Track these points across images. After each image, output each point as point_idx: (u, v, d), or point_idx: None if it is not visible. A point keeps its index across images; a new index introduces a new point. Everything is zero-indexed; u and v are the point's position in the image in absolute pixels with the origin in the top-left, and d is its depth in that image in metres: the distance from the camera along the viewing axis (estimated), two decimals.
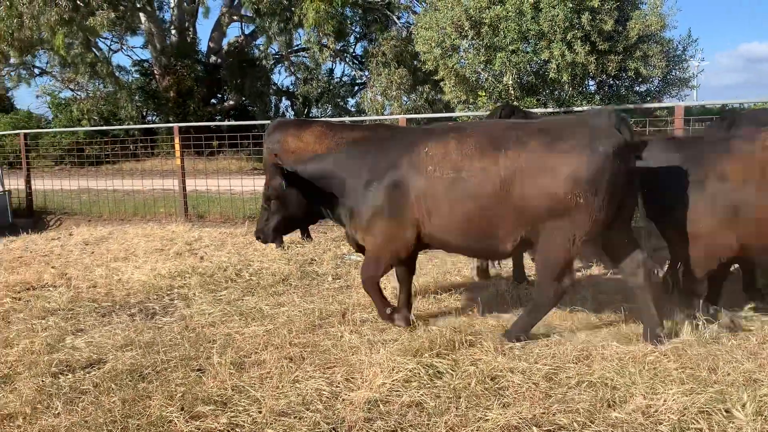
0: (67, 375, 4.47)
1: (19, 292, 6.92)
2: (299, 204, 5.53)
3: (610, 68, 10.29)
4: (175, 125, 12.55)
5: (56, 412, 3.87)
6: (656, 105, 10.73)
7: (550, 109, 10.67)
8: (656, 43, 10.48)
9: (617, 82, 11.34)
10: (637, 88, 11.39)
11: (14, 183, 13.90)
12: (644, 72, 10.44)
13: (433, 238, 5.11)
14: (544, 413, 3.64)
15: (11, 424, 3.77)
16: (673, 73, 11.23)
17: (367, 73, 23.04)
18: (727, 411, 3.59)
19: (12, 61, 20.56)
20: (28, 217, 13.26)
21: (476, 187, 4.76)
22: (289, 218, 5.63)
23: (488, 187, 4.71)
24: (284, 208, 5.54)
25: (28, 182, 13.82)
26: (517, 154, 4.66)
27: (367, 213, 5.17)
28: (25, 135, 14.50)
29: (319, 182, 5.42)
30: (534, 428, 3.47)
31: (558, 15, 9.82)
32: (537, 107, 10.71)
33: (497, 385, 4.04)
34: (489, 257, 5.44)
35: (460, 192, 4.82)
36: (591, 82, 11.45)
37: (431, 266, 7.64)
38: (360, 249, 5.60)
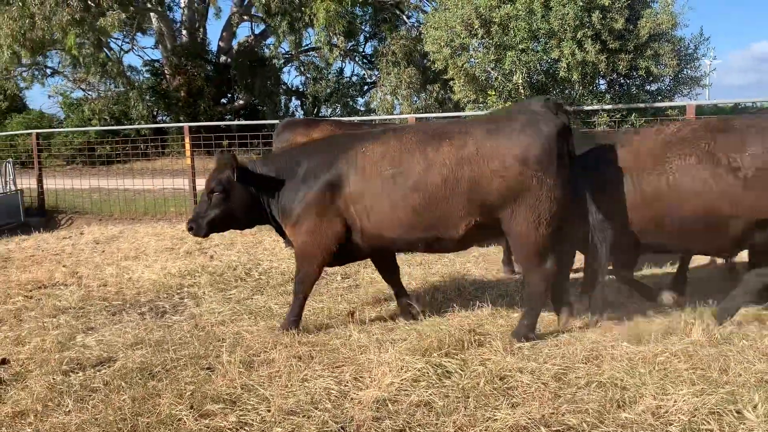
0: (77, 373, 4.51)
1: (30, 291, 6.99)
2: (242, 202, 5.40)
3: (621, 67, 10.23)
4: (186, 125, 12.62)
5: (67, 409, 3.90)
6: (668, 104, 10.66)
7: None
8: (667, 42, 10.40)
9: (628, 81, 11.26)
10: (648, 87, 11.30)
11: (26, 182, 14.01)
12: (655, 71, 10.36)
13: (377, 237, 5.14)
14: (553, 413, 3.63)
15: (23, 421, 3.80)
16: (685, 72, 11.13)
17: (376, 73, 23.03)
18: (738, 412, 3.56)
19: (24, 61, 20.67)
20: (40, 216, 13.37)
21: (422, 179, 4.85)
22: (228, 215, 5.44)
23: (435, 177, 4.82)
24: (225, 203, 5.38)
25: (40, 181, 13.94)
26: (464, 141, 4.81)
27: (297, 210, 5.22)
28: (38, 135, 14.62)
29: (265, 182, 5.36)
30: (543, 428, 3.46)
31: (568, 14, 9.77)
32: None
33: (506, 385, 4.03)
34: (442, 250, 5.46)
35: (403, 187, 4.90)
36: (601, 81, 11.38)
37: (440, 266, 7.63)
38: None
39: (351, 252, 5.36)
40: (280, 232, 5.62)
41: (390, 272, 5.79)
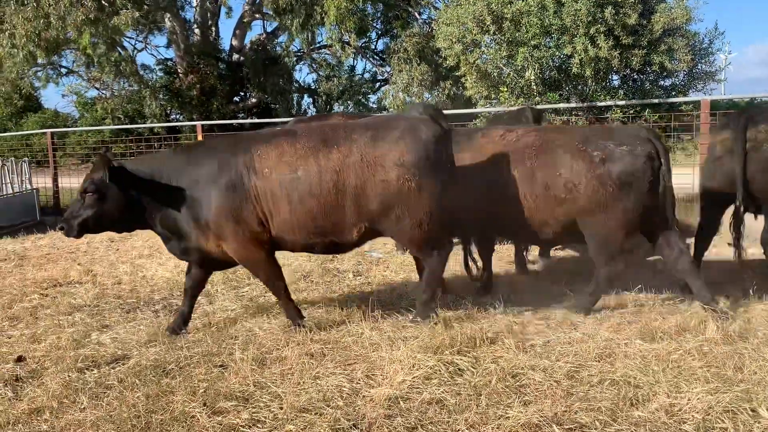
0: (92, 370, 4.55)
1: (46, 289, 7.06)
2: (117, 205, 5.16)
3: (634, 62, 10.15)
4: (198, 123, 12.68)
5: (82, 406, 3.94)
6: (682, 99, 10.56)
7: (572, 105, 10.58)
8: (681, 37, 10.30)
9: (641, 76, 11.17)
10: (662, 83, 11.21)
11: (42, 181, 14.15)
12: (669, 66, 10.28)
13: (279, 240, 5.17)
14: (565, 411, 3.61)
15: (39, 417, 3.84)
16: (699, 67, 11.03)
17: (388, 69, 23.01)
18: (753, 410, 3.53)
19: (39, 61, 20.86)
20: (56, 214, 13.46)
21: (313, 184, 4.93)
22: (102, 217, 5.17)
23: (324, 183, 4.92)
24: (99, 205, 5.13)
25: (55, 180, 14.07)
26: (349, 148, 4.95)
27: (211, 221, 5.07)
28: (52, 134, 14.75)
29: (152, 185, 5.16)
30: (555, 427, 3.45)
31: (580, 9, 9.71)
32: (560, 102, 10.62)
33: (518, 383, 4.02)
34: (339, 251, 5.58)
35: (298, 190, 4.95)
36: (615, 77, 11.30)
37: (452, 262, 7.59)
38: (204, 262, 5.41)
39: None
40: (165, 238, 5.44)
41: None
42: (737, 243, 6.07)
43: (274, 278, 5.35)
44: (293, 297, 6.37)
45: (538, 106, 9.77)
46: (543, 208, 5.46)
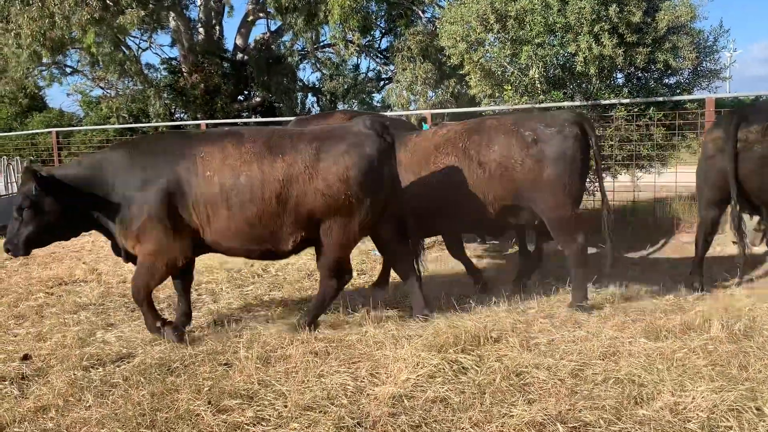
0: (97, 368, 4.57)
1: (51, 287, 7.09)
2: (55, 213, 5.05)
3: (639, 60, 10.11)
4: (203, 122, 12.70)
5: (87, 404, 3.96)
6: (686, 97, 10.51)
7: (577, 103, 10.55)
8: (686, 35, 10.24)
9: (646, 74, 11.11)
10: (667, 81, 11.14)
11: None
12: (674, 64, 10.22)
13: (216, 244, 5.16)
14: (569, 410, 3.61)
15: (45, 416, 3.86)
16: (704, 65, 10.97)
17: (392, 68, 22.98)
18: (758, 409, 3.52)
19: (44, 60, 20.89)
20: None
21: (255, 191, 4.91)
22: (45, 228, 5.08)
23: (268, 192, 4.91)
24: (39, 217, 5.01)
25: None
26: (293, 158, 4.94)
27: (138, 222, 4.98)
28: (57, 133, 14.79)
29: (83, 189, 5.06)
30: (559, 425, 3.45)
31: (585, 7, 9.67)
32: (564, 101, 10.60)
33: (522, 381, 4.02)
34: (271, 258, 5.58)
35: (240, 197, 4.92)
36: (619, 75, 11.24)
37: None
38: (131, 259, 5.33)
39: (196, 253, 5.34)
40: (110, 237, 5.36)
41: (184, 281, 5.56)
42: (741, 241, 6.06)
43: (149, 286, 5.17)
44: (298, 296, 6.42)
45: (543, 105, 9.77)
46: (487, 191, 5.70)
